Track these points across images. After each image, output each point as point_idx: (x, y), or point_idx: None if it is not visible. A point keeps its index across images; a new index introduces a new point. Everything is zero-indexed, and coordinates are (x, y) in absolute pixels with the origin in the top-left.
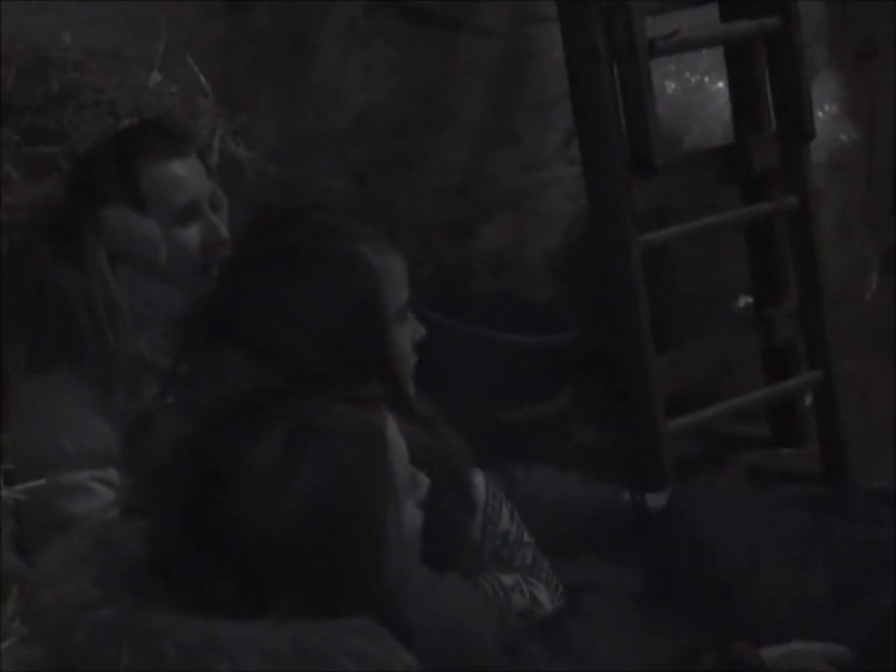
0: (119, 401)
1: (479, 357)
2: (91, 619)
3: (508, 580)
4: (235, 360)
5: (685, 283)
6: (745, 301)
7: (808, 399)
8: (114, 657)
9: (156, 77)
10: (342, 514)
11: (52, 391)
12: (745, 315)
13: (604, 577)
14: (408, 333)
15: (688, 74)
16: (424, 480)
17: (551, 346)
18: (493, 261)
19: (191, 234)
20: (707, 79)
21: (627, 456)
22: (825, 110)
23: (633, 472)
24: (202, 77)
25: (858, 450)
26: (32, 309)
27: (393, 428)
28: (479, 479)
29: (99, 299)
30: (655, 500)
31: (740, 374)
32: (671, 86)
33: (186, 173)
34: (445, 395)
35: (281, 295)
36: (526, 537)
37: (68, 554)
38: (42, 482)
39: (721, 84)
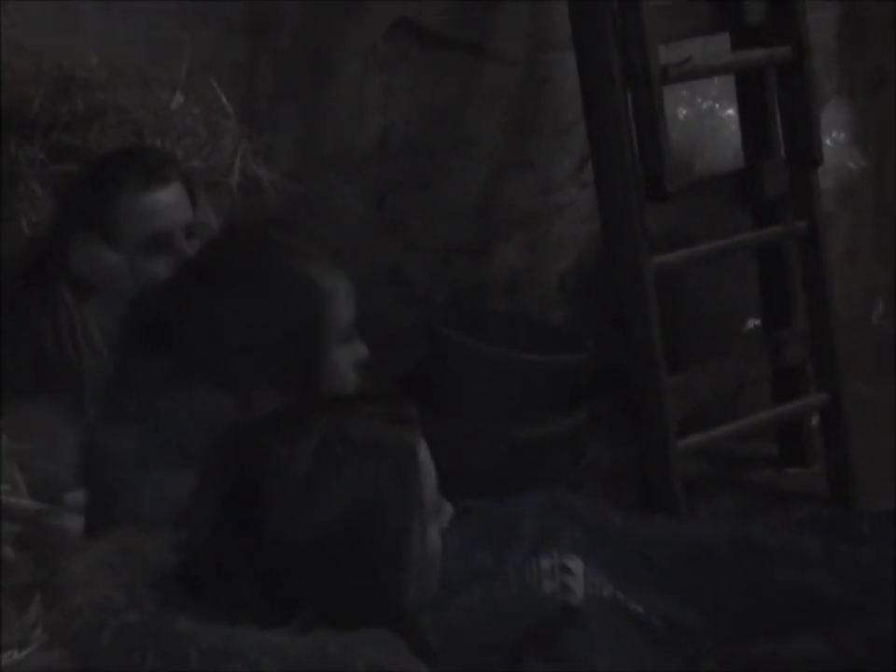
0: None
1: (494, 376)
2: (117, 622)
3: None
4: (171, 371)
5: (697, 305)
6: (754, 323)
7: (815, 420)
8: (138, 659)
9: (179, 97)
10: (368, 527)
11: (37, 416)
12: (755, 336)
13: None
14: (350, 354)
15: (700, 100)
16: (448, 508)
17: (565, 366)
18: (508, 282)
19: (160, 266)
20: (718, 106)
21: (639, 474)
22: (834, 137)
23: (645, 490)
24: (224, 98)
25: (863, 471)
26: (9, 336)
27: (424, 451)
28: (577, 566)
29: (64, 326)
30: None
31: (750, 395)
32: (683, 112)
33: (161, 204)
34: (462, 414)
35: (218, 308)
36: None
37: (96, 561)
38: (73, 494)
39: (731, 111)
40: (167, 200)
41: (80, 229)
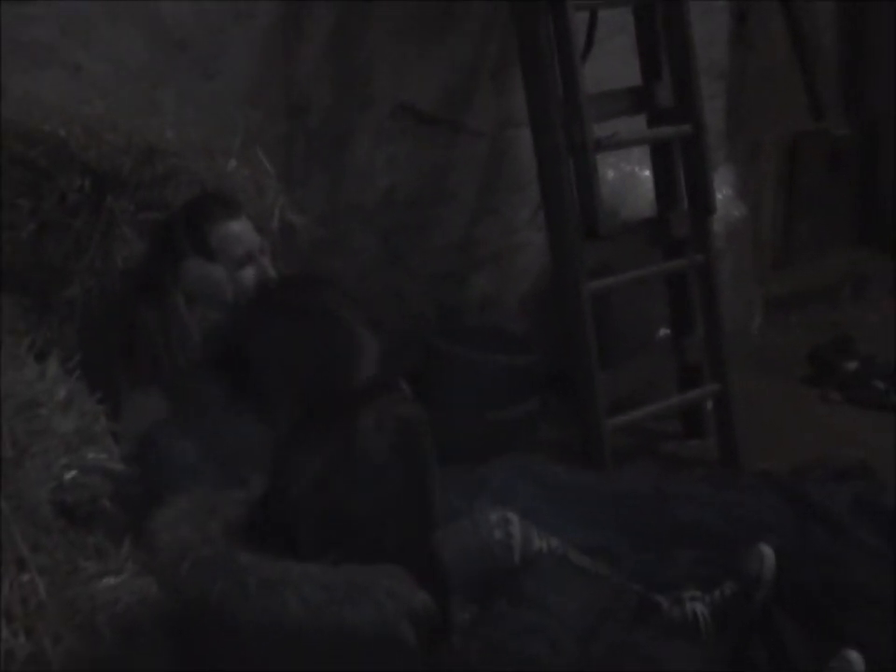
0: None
1: (472, 374)
2: (193, 556)
3: (493, 517)
4: (229, 396)
5: (622, 319)
6: (664, 332)
7: (710, 405)
8: (210, 586)
9: (233, 162)
10: (390, 487)
11: (146, 405)
12: (664, 342)
13: None
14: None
15: (624, 164)
16: None
17: (524, 365)
18: (481, 302)
19: (249, 275)
20: (637, 169)
21: (579, 445)
22: (723, 193)
23: (583, 457)
24: (267, 163)
25: (745, 442)
26: (126, 342)
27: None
28: (514, 518)
29: (174, 331)
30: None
31: (661, 386)
32: (611, 173)
33: (240, 230)
34: (447, 402)
35: (271, 344)
36: None
37: (179, 510)
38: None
39: (647, 172)
40: (245, 227)
41: (189, 254)
